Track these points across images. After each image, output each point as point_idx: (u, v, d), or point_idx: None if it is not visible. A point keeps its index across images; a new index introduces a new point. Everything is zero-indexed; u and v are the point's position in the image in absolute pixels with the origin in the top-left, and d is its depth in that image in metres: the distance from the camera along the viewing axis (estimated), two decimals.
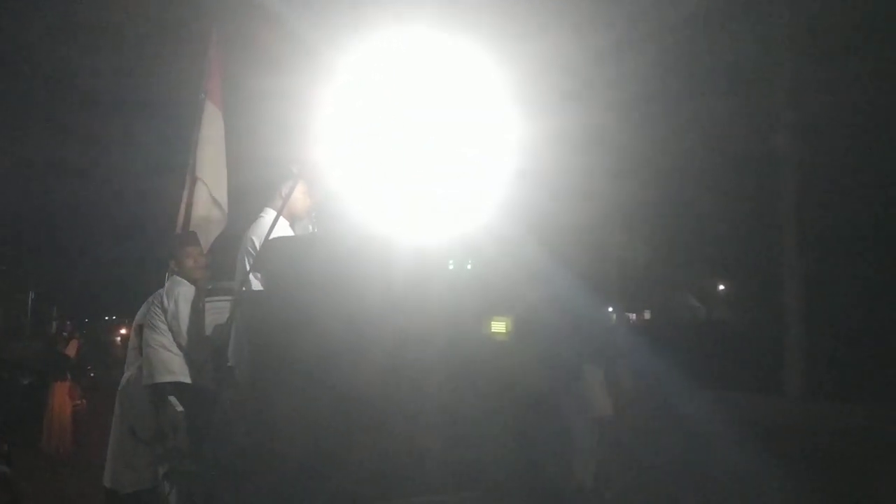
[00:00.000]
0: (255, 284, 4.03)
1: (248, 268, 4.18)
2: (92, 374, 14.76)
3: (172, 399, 4.12)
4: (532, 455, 3.57)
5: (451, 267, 3.58)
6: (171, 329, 4.48)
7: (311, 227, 4.51)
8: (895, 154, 13.24)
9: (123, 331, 32.60)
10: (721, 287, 26.27)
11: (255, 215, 4.65)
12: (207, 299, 4.85)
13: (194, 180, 5.73)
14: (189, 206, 5.69)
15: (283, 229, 4.21)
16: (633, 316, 25.41)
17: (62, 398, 10.65)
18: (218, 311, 4.85)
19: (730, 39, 11.44)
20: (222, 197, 5.71)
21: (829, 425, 9.95)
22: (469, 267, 3.63)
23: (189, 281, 4.66)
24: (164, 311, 4.53)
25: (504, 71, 3.91)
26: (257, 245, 4.23)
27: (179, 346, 4.48)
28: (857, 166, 13.60)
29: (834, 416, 10.20)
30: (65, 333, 12.78)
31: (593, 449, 5.72)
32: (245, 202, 5.57)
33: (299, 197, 4.37)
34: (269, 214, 4.43)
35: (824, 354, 12.38)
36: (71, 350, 11.49)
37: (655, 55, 9.75)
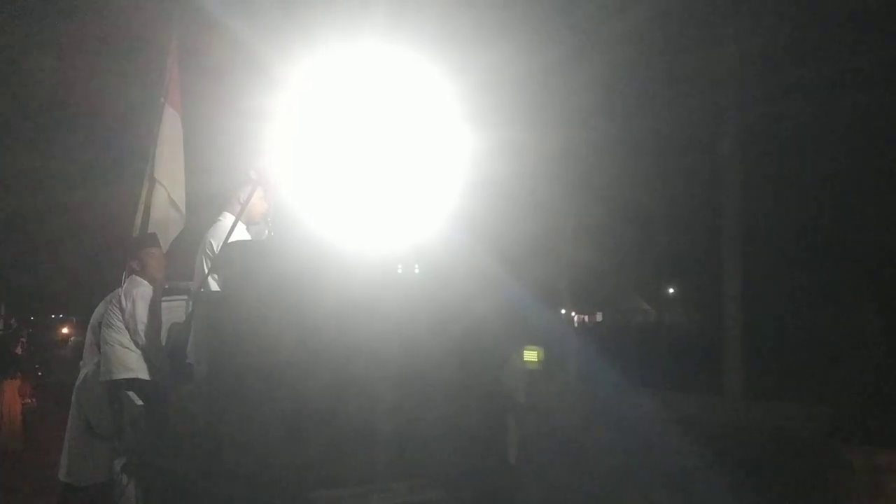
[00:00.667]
0: (213, 286, 4.20)
1: (206, 269, 4.36)
2: (40, 373, 14.63)
3: (131, 394, 4.28)
4: (467, 440, 3.81)
5: (400, 271, 3.80)
6: (127, 327, 4.62)
7: (266, 231, 4.70)
8: (833, 161, 13.86)
9: (66, 329, 32.02)
10: (670, 290, 27.00)
11: (212, 218, 4.82)
12: (164, 298, 5.01)
13: (153, 182, 5.86)
14: (147, 207, 5.82)
15: (240, 233, 4.39)
16: (585, 318, 25.94)
17: (12, 396, 10.60)
18: (173, 310, 5.02)
19: (675, 50, 11.89)
20: (180, 199, 5.86)
21: (766, 423, 10.42)
22: (417, 270, 3.85)
23: (149, 281, 4.81)
24: (122, 310, 4.67)
25: (454, 83, 4.14)
26: (215, 247, 4.40)
27: (136, 344, 4.62)
28: (797, 174, 14.20)
29: (771, 414, 10.66)
30: (10, 332, 12.68)
31: (514, 431, 6.03)
32: (203, 205, 5.73)
33: (256, 202, 4.54)
34: (226, 218, 4.60)
35: (762, 355, 12.89)
36: (19, 348, 11.43)
37: (603, 67, 10.11)
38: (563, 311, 15.83)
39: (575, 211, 11.74)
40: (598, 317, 27.57)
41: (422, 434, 3.78)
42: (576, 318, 21.22)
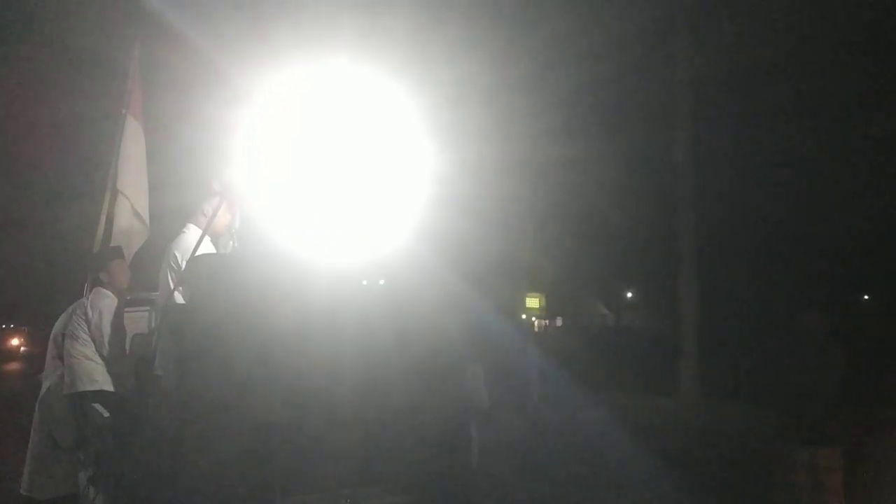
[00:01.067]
0: (178, 298, 4.25)
1: (170, 282, 4.40)
2: None
3: (97, 406, 4.30)
4: (426, 446, 3.92)
5: (365, 283, 3.90)
6: (93, 339, 4.64)
7: (231, 243, 4.75)
8: (785, 172, 14.33)
9: (16, 340, 31.13)
10: (628, 295, 27.48)
11: (176, 230, 4.85)
12: (126, 309, 5.03)
13: (115, 193, 5.87)
14: (110, 218, 5.82)
15: (205, 245, 4.44)
16: (545, 322, 26.24)
17: None
18: (136, 321, 5.04)
19: (633, 66, 12.20)
20: (144, 209, 5.87)
21: (719, 424, 10.73)
22: (382, 283, 3.95)
23: (114, 293, 4.83)
24: (88, 321, 4.68)
25: (419, 100, 4.26)
26: (180, 260, 4.44)
27: (102, 356, 4.64)
28: (750, 184, 14.66)
29: (724, 415, 10.96)
30: None
31: (476, 437, 6.16)
32: (166, 216, 5.75)
33: (219, 214, 4.60)
34: (190, 230, 4.64)
35: (716, 357, 13.25)
36: None
37: (562, 85, 10.35)
38: (524, 317, 16.06)
39: (535, 220, 11.97)
40: (559, 321, 27.90)
41: (386, 441, 3.89)
42: (536, 323, 21.47)
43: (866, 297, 22.65)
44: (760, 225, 14.67)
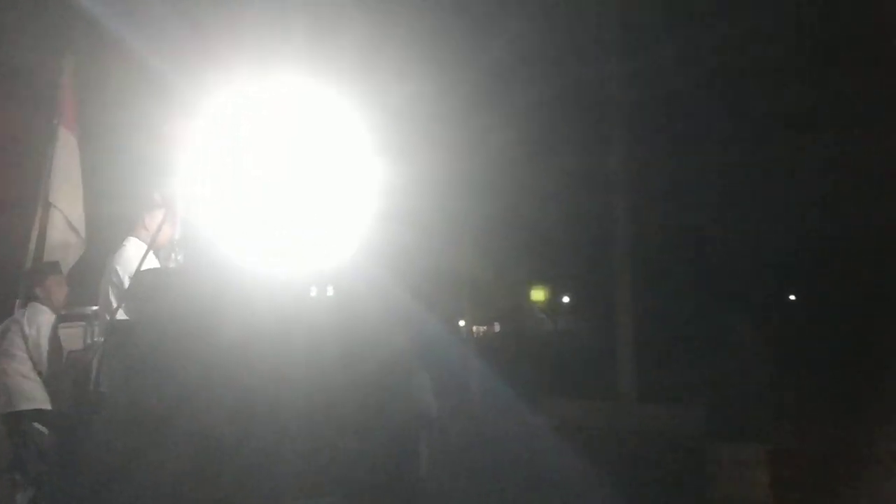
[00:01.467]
0: (120, 313, 4.18)
1: (112, 297, 4.32)
2: None
3: (36, 425, 4.20)
4: (375, 456, 3.97)
5: (313, 294, 3.93)
6: (31, 357, 4.52)
7: (174, 256, 4.70)
8: (720, 177, 14.87)
9: None
10: (565, 299, 27.93)
11: (115, 242, 4.76)
12: (61, 325, 4.91)
13: (47, 206, 5.72)
14: (42, 231, 5.67)
15: (148, 259, 4.38)
16: (482, 329, 26.44)
17: None
18: (71, 337, 4.92)
19: (571, 74, 12.50)
20: (79, 222, 5.73)
21: (655, 425, 11.02)
22: (330, 293, 3.98)
23: (52, 309, 4.72)
24: (25, 338, 4.56)
25: (365, 114, 4.31)
26: (121, 274, 4.36)
27: (39, 374, 4.52)
28: (684, 194, 15.16)
29: (660, 416, 11.27)
30: None
31: (424, 446, 6.21)
32: (104, 228, 5.64)
33: (162, 226, 4.54)
34: (131, 243, 4.57)
35: (652, 359, 13.61)
36: None
37: (508, 99, 10.56)
38: (462, 324, 16.20)
39: (473, 228, 12.12)
40: (496, 327, 28.13)
41: (335, 451, 3.91)
42: (474, 330, 21.66)
43: (792, 297, 23.58)
44: (694, 233, 15.18)
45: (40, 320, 4.61)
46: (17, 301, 5.07)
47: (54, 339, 4.66)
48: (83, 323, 4.89)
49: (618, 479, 7.19)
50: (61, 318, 4.95)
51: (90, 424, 3.78)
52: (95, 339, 4.34)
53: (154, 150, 4.64)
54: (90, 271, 5.04)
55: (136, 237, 4.54)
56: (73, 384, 4.51)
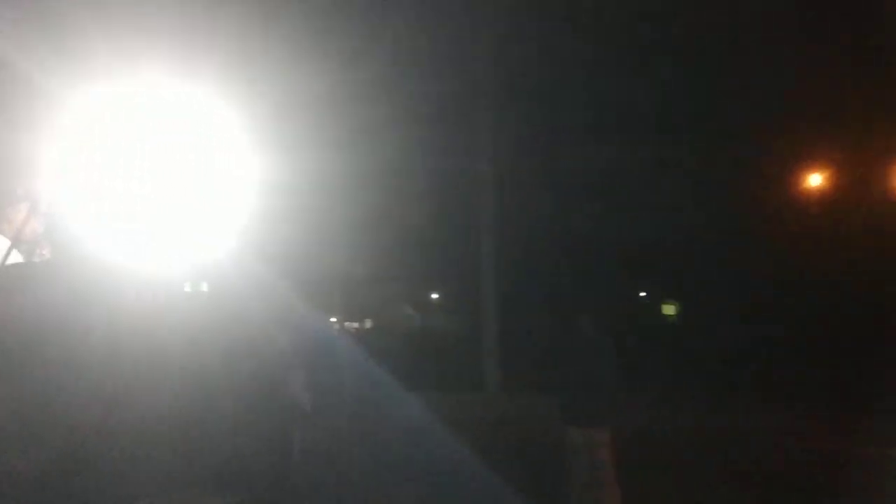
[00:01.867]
0: None
1: None
2: None
3: None
4: (248, 449, 4.08)
5: (186, 289, 3.98)
6: None
7: (38, 251, 4.59)
8: (578, 180, 15.68)
9: None
10: (434, 296, 28.49)
11: None
12: None
13: None
14: None
15: (12, 254, 4.27)
16: (355, 325, 26.51)
17: None
18: None
19: (440, 76, 12.85)
20: None
21: (517, 414, 11.61)
22: (204, 289, 4.05)
23: None
24: None
25: (240, 112, 4.39)
26: None
27: None
28: (546, 194, 15.91)
29: (521, 405, 11.86)
30: None
31: (296, 441, 6.34)
32: None
33: (27, 221, 4.43)
34: None
35: (515, 353, 14.27)
36: None
37: (382, 96, 10.76)
38: (334, 320, 16.28)
39: (345, 226, 12.26)
40: (368, 323, 28.27)
41: (207, 444, 3.99)
42: (346, 326, 21.74)
43: (643, 294, 25.12)
44: (555, 231, 15.98)
45: None
46: None
47: None
48: None
49: (483, 466, 7.59)
50: None
51: None
52: None
53: (17, 142, 4.53)
54: None
55: None
56: None
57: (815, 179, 14.37)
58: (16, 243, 4.50)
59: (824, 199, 14.66)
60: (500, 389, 14.22)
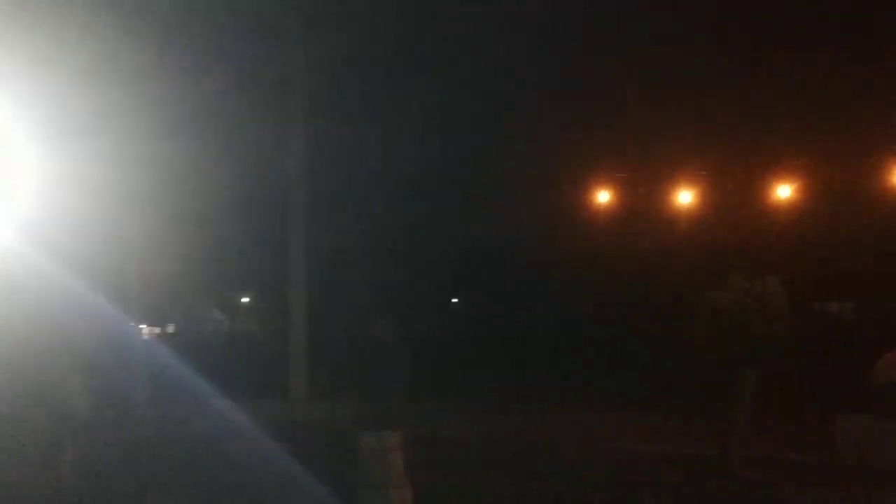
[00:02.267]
0: None
1: None
2: None
3: None
4: (21, 453, 3.94)
5: None
6: None
7: None
8: (397, 186, 16.02)
9: None
10: (244, 300, 27.74)
11: None
12: None
13: None
14: None
15: None
16: (157, 329, 25.21)
17: None
18: None
19: (248, 74, 12.69)
20: None
21: (323, 419, 11.69)
22: None
23: None
24: None
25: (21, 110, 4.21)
26: None
27: None
28: (362, 197, 16.10)
29: (327, 411, 11.96)
30: None
31: (70, 447, 6.09)
32: None
33: None
34: None
35: (323, 360, 14.33)
36: None
37: (182, 89, 10.42)
38: (133, 324, 15.44)
39: (145, 225, 11.75)
40: (171, 328, 26.98)
41: None
42: (147, 331, 20.65)
43: (455, 300, 26.01)
44: (369, 237, 16.20)
45: None
46: None
47: None
48: None
49: (279, 470, 7.63)
50: None
51: None
52: None
53: None
54: None
55: None
56: None
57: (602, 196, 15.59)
58: None
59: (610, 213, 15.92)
60: (306, 395, 14.22)
